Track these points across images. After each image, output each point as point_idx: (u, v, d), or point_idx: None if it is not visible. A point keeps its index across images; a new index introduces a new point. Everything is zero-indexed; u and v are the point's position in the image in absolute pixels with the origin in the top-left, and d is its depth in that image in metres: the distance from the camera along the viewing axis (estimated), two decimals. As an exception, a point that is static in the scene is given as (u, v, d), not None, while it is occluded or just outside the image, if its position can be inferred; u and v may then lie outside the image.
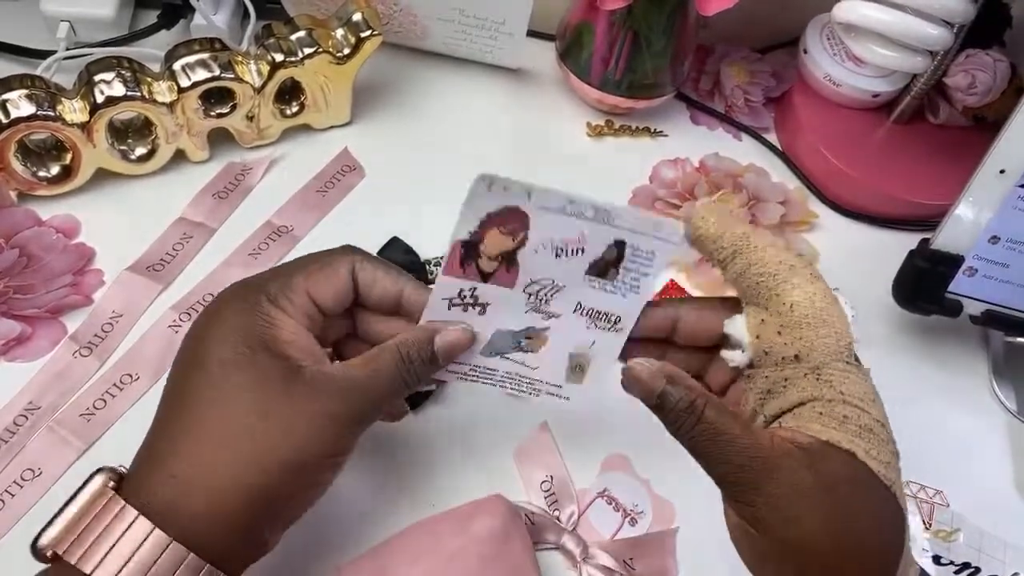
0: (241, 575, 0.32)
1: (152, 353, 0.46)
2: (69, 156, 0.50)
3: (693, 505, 0.44)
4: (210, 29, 0.56)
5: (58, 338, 0.46)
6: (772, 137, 0.63)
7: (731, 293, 0.36)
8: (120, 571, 0.28)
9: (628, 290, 0.35)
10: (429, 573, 0.38)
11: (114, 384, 0.45)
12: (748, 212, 0.56)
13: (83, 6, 0.56)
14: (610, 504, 0.44)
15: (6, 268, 0.47)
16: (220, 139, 0.54)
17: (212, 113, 0.51)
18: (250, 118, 0.53)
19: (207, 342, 0.32)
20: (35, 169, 0.50)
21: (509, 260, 0.34)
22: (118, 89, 0.47)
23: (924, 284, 0.48)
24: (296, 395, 0.31)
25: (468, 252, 0.33)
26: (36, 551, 0.29)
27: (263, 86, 0.51)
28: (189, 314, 0.48)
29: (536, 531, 0.42)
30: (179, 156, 0.53)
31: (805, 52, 0.61)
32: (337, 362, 0.34)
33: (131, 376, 0.45)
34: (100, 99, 0.47)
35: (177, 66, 0.49)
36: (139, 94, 0.48)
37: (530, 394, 0.37)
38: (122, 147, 0.51)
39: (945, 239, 0.46)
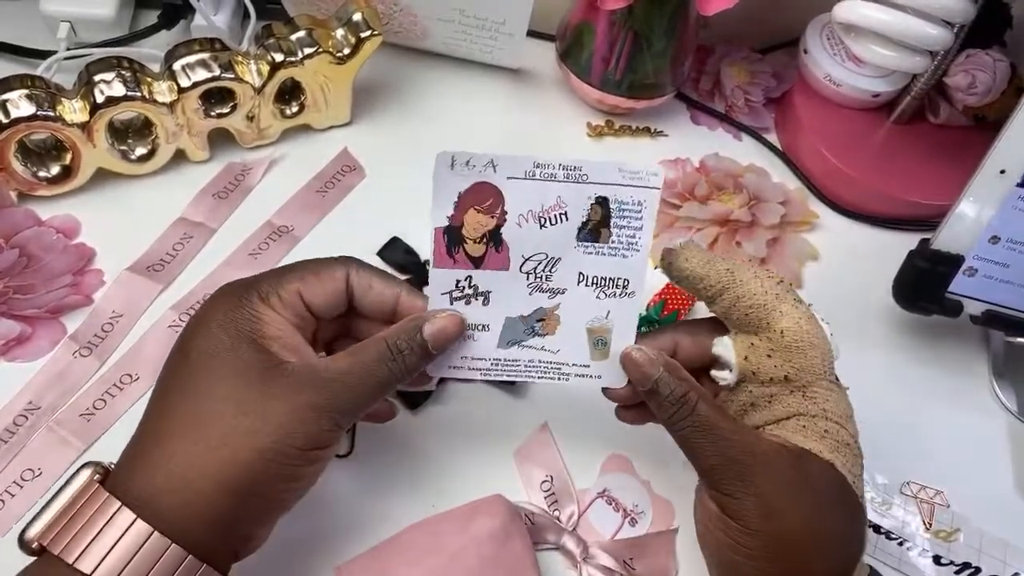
0: (228, 568, 0.32)
1: (152, 353, 0.46)
2: (69, 156, 0.50)
3: (693, 505, 0.44)
4: (210, 29, 0.56)
5: (58, 338, 0.46)
6: (772, 137, 0.63)
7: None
8: (102, 562, 0.28)
9: (627, 249, 0.34)
10: (429, 573, 0.38)
11: (114, 384, 0.45)
12: (748, 212, 0.56)
13: (83, 6, 0.56)
14: (610, 504, 0.44)
15: (6, 268, 0.47)
16: (220, 139, 0.54)
17: (212, 113, 0.51)
18: (250, 118, 0.53)
19: (193, 335, 0.32)
20: (35, 169, 0.50)
21: (495, 240, 0.33)
22: (118, 89, 0.47)
23: (924, 284, 0.48)
24: (277, 387, 0.31)
25: (452, 239, 0.33)
26: (23, 544, 0.29)
27: (263, 86, 0.51)
28: (189, 314, 0.48)
29: (536, 531, 0.42)
30: (179, 156, 0.53)
31: (805, 52, 0.61)
32: (323, 356, 0.34)
33: (131, 376, 0.45)
34: (100, 99, 0.47)
35: (177, 66, 0.49)
36: (139, 94, 0.48)
37: (559, 379, 0.37)
38: (122, 147, 0.51)
39: (945, 239, 0.46)
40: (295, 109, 0.55)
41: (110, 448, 0.43)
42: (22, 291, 0.47)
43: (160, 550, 0.29)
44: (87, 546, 0.28)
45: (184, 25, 0.58)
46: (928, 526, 0.46)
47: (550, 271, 0.34)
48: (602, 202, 0.33)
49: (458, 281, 0.34)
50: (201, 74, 0.49)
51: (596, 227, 0.33)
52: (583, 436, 0.46)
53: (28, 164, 0.49)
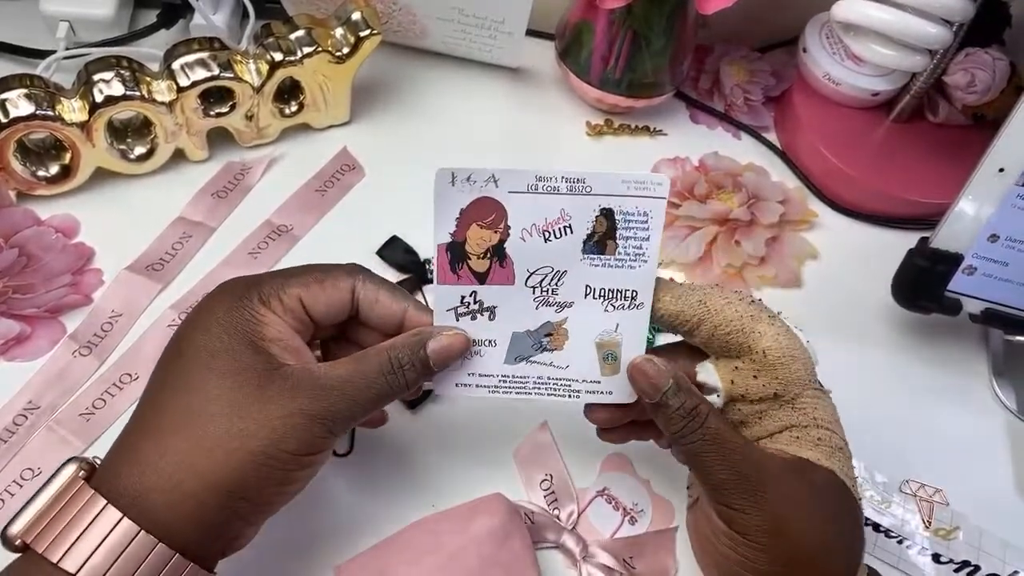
0: (214, 565, 0.32)
1: (151, 352, 0.46)
2: (68, 155, 0.50)
3: (693, 504, 0.44)
4: (209, 28, 0.56)
5: (57, 338, 0.46)
6: (772, 136, 0.63)
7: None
8: (87, 561, 0.28)
9: (634, 260, 0.33)
10: (429, 572, 0.38)
11: (113, 384, 0.45)
12: (748, 211, 0.56)
13: (82, 6, 0.56)
14: (610, 503, 0.44)
15: (5, 268, 0.47)
16: (219, 138, 0.54)
17: (211, 112, 0.51)
18: (249, 117, 0.53)
19: (190, 332, 0.32)
20: (34, 169, 0.50)
21: (499, 255, 0.33)
22: (117, 88, 0.47)
23: (923, 283, 0.48)
24: (272, 390, 0.31)
25: (455, 255, 0.33)
26: (6, 540, 0.29)
27: (262, 85, 0.51)
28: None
29: (536, 530, 0.42)
30: (178, 155, 0.53)
31: (804, 51, 0.61)
32: (321, 361, 0.33)
33: (130, 375, 0.45)
34: (99, 98, 0.47)
35: (176, 65, 0.49)
36: (138, 93, 0.48)
37: (569, 396, 0.36)
38: (121, 146, 0.51)
39: (944, 238, 0.46)
40: (294, 108, 0.55)
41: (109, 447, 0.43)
42: (21, 291, 0.47)
43: (147, 549, 0.28)
44: (71, 545, 0.28)
45: (183, 24, 0.58)
46: (927, 524, 0.46)
47: (556, 284, 0.33)
48: (607, 214, 0.32)
49: (463, 297, 0.34)
50: (200, 73, 0.49)
51: (602, 239, 0.33)
52: (583, 435, 0.46)
53: (27, 163, 0.49)
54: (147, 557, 0.28)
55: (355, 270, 0.35)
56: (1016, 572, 0.44)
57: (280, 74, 0.51)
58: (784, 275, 0.55)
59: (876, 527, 0.45)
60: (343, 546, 0.41)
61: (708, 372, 0.35)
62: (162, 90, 0.49)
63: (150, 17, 0.58)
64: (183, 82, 0.49)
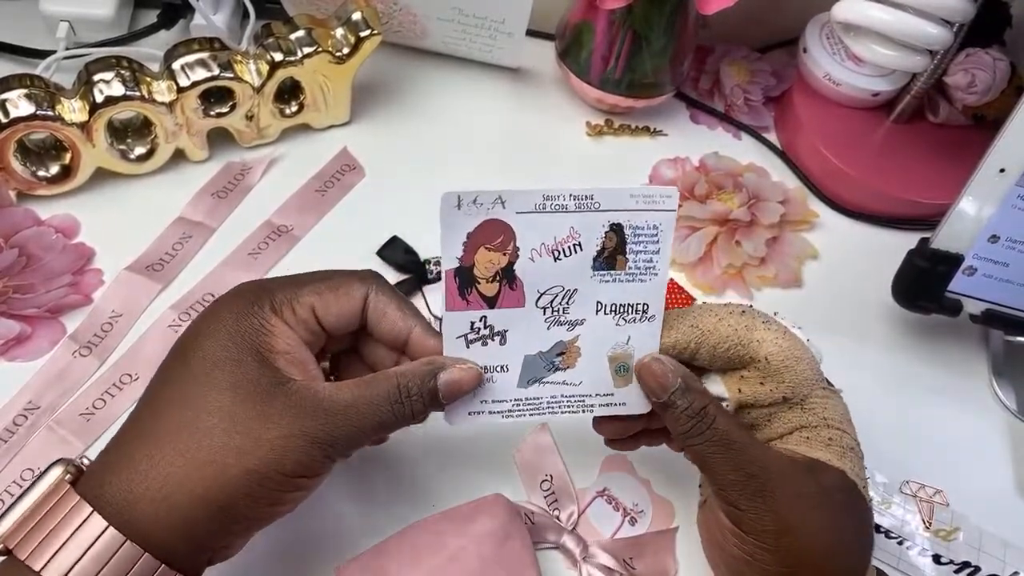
0: (201, 574, 0.31)
1: (151, 353, 0.46)
2: (68, 156, 0.50)
3: (693, 505, 0.44)
4: (209, 29, 0.56)
5: (57, 338, 0.46)
6: (772, 136, 0.63)
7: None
8: (71, 569, 0.27)
9: (644, 274, 0.33)
10: (429, 573, 0.38)
11: (113, 384, 0.45)
12: (748, 211, 0.55)
13: (82, 6, 0.56)
14: (610, 503, 0.44)
15: (5, 268, 0.47)
16: (219, 139, 0.54)
17: (211, 112, 0.51)
18: (249, 117, 0.53)
19: (197, 337, 0.31)
20: (34, 169, 0.50)
21: (509, 277, 0.32)
22: (117, 89, 0.47)
23: (924, 283, 0.48)
24: (274, 408, 0.30)
25: (463, 280, 0.32)
26: None
27: (262, 85, 0.51)
28: (188, 314, 0.47)
29: (536, 531, 0.42)
30: (178, 156, 0.53)
31: (805, 51, 0.61)
32: (330, 382, 0.32)
33: (130, 376, 0.45)
34: (99, 99, 0.47)
35: (176, 66, 0.49)
36: (138, 94, 0.48)
37: (583, 412, 0.35)
38: (121, 147, 0.51)
39: (945, 238, 0.46)
40: (294, 108, 0.55)
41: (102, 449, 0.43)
42: (21, 291, 0.47)
43: (132, 560, 0.27)
44: (55, 553, 0.27)
45: (183, 25, 0.58)
46: (928, 525, 0.46)
47: (567, 303, 0.33)
48: (616, 229, 0.32)
49: (472, 323, 0.33)
50: (200, 73, 0.49)
51: (612, 255, 0.33)
52: (583, 435, 0.46)
53: (27, 164, 0.49)
54: (132, 568, 0.27)
55: (369, 278, 0.34)
56: (1016, 573, 0.44)
57: (280, 74, 0.51)
58: (784, 275, 0.55)
59: (876, 528, 0.45)
60: (343, 547, 0.41)
61: (715, 383, 0.35)
62: (162, 90, 0.49)
63: (150, 17, 0.58)
64: (183, 82, 0.49)
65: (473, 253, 0.32)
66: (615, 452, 0.46)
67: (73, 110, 0.47)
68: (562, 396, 0.35)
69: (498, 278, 0.32)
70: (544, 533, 0.42)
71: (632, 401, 0.35)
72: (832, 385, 0.36)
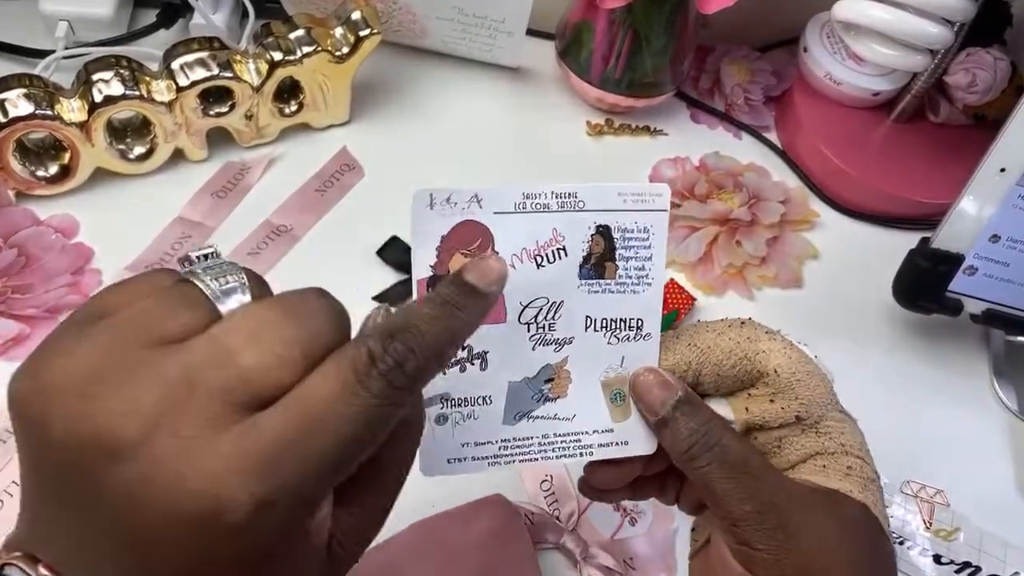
0: None
1: (151, 353, 0.46)
2: (67, 155, 0.49)
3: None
4: (209, 28, 0.56)
5: (57, 338, 0.46)
6: (772, 136, 0.63)
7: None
8: None
9: (636, 283, 0.30)
10: (429, 573, 0.38)
11: (113, 384, 0.45)
12: (748, 211, 0.55)
13: (82, 5, 0.56)
14: (610, 504, 0.44)
15: (4, 268, 0.47)
16: (219, 138, 0.54)
17: (211, 112, 0.51)
18: (249, 117, 0.53)
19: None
20: (33, 168, 0.49)
21: None
22: (116, 88, 0.47)
23: (924, 283, 0.48)
24: None
25: None
26: None
27: (262, 85, 0.51)
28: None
29: (536, 531, 0.42)
30: (178, 155, 0.53)
31: (805, 51, 0.61)
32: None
33: (130, 376, 0.45)
34: (98, 98, 0.47)
35: (176, 65, 0.49)
36: (137, 93, 0.48)
37: (581, 454, 0.31)
38: (120, 146, 0.51)
39: (945, 238, 0.46)
40: (294, 108, 0.55)
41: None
42: (20, 291, 0.47)
43: None
44: None
45: (183, 24, 0.58)
46: (928, 525, 0.46)
47: (553, 318, 0.29)
48: (603, 232, 0.29)
49: None
50: (199, 73, 0.49)
51: (599, 261, 0.29)
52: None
53: (26, 163, 0.49)
54: None
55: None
56: (1017, 573, 0.44)
57: (280, 74, 0.51)
58: (785, 275, 0.55)
59: (877, 528, 0.45)
60: (343, 547, 0.41)
61: (718, 405, 0.31)
62: (161, 90, 0.49)
63: (149, 17, 0.58)
64: (182, 82, 0.49)
65: (448, 259, 0.28)
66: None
67: (72, 110, 0.47)
68: (555, 435, 0.30)
69: None
70: (544, 533, 0.42)
71: (635, 438, 0.31)
72: (846, 411, 0.32)
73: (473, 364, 0.29)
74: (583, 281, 0.29)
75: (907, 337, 0.54)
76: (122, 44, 0.56)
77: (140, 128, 0.51)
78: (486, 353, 0.29)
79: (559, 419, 0.30)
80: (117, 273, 0.48)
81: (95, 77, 0.47)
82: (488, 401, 0.29)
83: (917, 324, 0.54)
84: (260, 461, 0.19)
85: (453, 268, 0.27)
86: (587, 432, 0.30)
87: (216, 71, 0.49)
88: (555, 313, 0.29)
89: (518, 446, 0.30)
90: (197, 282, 0.22)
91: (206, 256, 0.24)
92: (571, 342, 0.30)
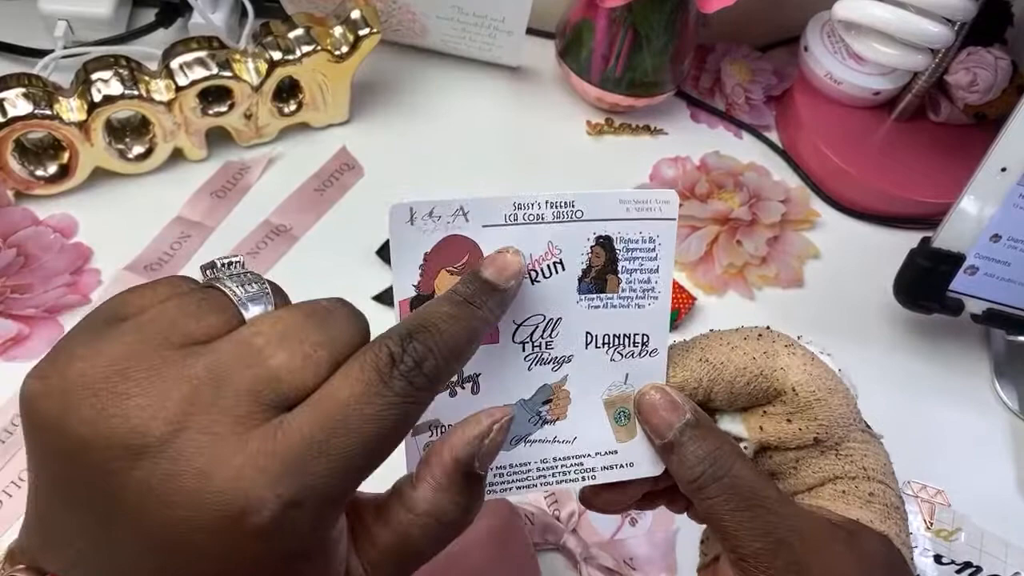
0: None
1: (150, 353, 0.46)
2: (66, 155, 0.49)
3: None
4: (208, 27, 0.56)
5: (55, 338, 0.46)
6: (773, 135, 0.62)
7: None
8: None
9: (641, 297, 0.28)
10: (429, 573, 0.38)
11: (112, 384, 0.45)
12: (749, 210, 0.55)
13: (81, 5, 0.56)
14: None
15: (3, 268, 0.47)
16: (218, 138, 0.54)
17: (210, 112, 0.51)
18: (248, 116, 0.53)
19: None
20: (32, 168, 0.49)
21: None
22: (115, 88, 0.47)
23: (925, 283, 0.48)
24: None
25: None
26: None
27: (261, 84, 0.51)
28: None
29: (536, 531, 0.42)
30: (177, 155, 0.53)
31: (806, 50, 0.61)
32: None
33: (129, 376, 0.45)
34: (97, 98, 0.47)
35: (175, 64, 0.49)
36: (137, 93, 0.47)
37: (583, 478, 0.29)
38: (120, 146, 0.51)
39: (946, 237, 0.46)
40: (293, 107, 0.54)
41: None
42: (19, 290, 0.47)
43: None
44: None
45: (182, 23, 0.58)
46: (929, 525, 0.46)
47: (551, 336, 0.27)
48: (604, 243, 0.27)
49: None
50: (199, 72, 0.49)
51: (600, 274, 0.27)
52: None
53: (25, 163, 0.49)
54: None
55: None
56: (1018, 573, 0.44)
57: (279, 73, 0.51)
58: (785, 275, 0.55)
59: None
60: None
61: (731, 421, 0.29)
62: (160, 89, 0.49)
63: (148, 16, 0.58)
64: (181, 81, 0.48)
65: (432, 278, 0.26)
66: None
67: (71, 109, 0.47)
68: (554, 459, 0.28)
69: None
70: (544, 533, 0.42)
71: (640, 459, 0.29)
72: (871, 429, 0.30)
73: (464, 388, 0.27)
74: (582, 296, 0.27)
75: (908, 337, 0.54)
76: (121, 43, 0.56)
77: (139, 128, 0.51)
78: (477, 376, 0.27)
79: (559, 442, 0.28)
80: (116, 273, 0.48)
81: (94, 76, 0.47)
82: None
83: (918, 324, 0.54)
84: (287, 461, 0.19)
85: (439, 287, 0.26)
86: (589, 455, 0.28)
87: (215, 70, 0.49)
88: (552, 330, 0.27)
89: (515, 473, 0.28)
90: (222, 287, 0.23)
91: (230, 264, 0.24)
92: (570, 360, 0.28)
